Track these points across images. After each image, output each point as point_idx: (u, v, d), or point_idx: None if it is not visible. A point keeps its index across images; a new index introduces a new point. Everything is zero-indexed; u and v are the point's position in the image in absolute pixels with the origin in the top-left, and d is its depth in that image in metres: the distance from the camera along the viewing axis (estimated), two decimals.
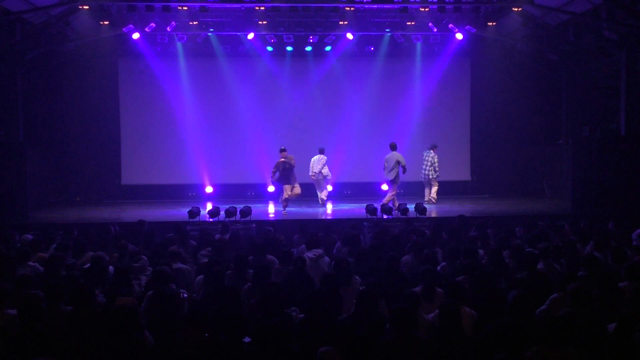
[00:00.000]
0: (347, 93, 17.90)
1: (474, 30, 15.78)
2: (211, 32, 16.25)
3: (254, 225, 11.61)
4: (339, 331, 4.64)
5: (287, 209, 14.34)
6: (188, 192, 17.66)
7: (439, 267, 7.35)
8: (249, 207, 12.07)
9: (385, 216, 12.05)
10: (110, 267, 7.33)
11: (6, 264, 7.09)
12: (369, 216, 11.87)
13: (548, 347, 4.47)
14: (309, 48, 17.25)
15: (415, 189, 16.17)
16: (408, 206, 12.33)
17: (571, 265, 7.26)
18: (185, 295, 6.36)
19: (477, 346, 4.54)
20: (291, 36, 16.36)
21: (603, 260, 7.32)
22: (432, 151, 15.88)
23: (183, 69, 17.60)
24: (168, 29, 15.48)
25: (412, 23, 15.63)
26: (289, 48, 17.26)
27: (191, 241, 9.34)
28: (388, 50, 17.41)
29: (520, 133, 18.53)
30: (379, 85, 17.80)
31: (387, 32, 16.44)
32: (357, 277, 6.85)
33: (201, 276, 7.07)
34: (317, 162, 14.98)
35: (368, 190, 17.40)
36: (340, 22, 15.65)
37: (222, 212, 11.92)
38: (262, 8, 14.74)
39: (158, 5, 14.27)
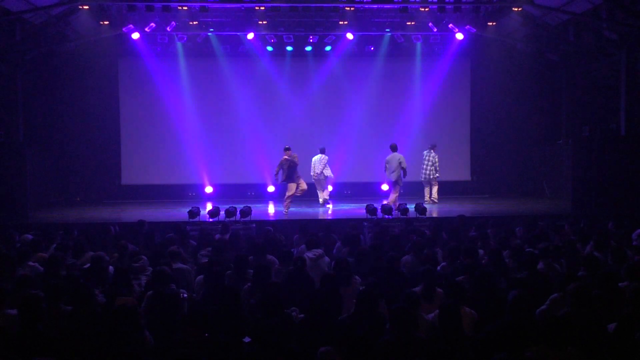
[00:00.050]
0: (347, 93, 17.91)
1: (474, 30, 15.78)
2: (211, 32, 16.26)
3: (254, 225, 11.61)
4: (339, 331, 4.63)
5: (290, 209, 14.35)
6: (188, 192, 17.67)
7: (439, 267, 7.35)
8: (249, 207, 12.07)
9: (385, 216, 12.04)
10: (110, 267, 7.33)
11: (6, 264, 7.09)
12: (369, 216, 11.87)
13: (548, 347, 4.47)
14: (309, 48, 17.25)
15: (415, 189, 16.17)
16: (408, 206, 12.33)
17: (571, 265, 7.26)
18: (185, 295, 6.36)
19: (477, 346, 4.54)
20: (291, 36, 16.36)
21: (603, 260, 7.31)
22: (432, 151, 15.89)
23: (183, 69, 17.60)
24: (168, 29, 15.49)
25: (412, 23, 15.64)
26: (289, 48, 17.26)
27: (191, 241, 9.33)
28: (388, 50, 17.42)
29: (520, 133, 18.53)
30: (379, 85, 17.81)
31: (387, 32, 16.44)
32: (357, 277, 6.84)
33: (201, 276, 7.07)
34: (319, 163, 14.97)
35: (368, 190, 17.41)
36: (340, 22, 15.66)
37: (222, 212, 11.91)
38: (262, 8, 14.75)
39: (158, 5, 14.28)
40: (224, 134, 17.80)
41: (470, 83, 18.41)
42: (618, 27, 13.82)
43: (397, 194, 14.22)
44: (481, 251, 8.12)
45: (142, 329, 5.11)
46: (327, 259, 8.01)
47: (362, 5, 14.87)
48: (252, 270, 6.82)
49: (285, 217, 13.18)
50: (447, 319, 4.90)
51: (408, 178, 14.49)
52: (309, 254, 7.80)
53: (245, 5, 14.78)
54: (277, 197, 17.21)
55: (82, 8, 14.05)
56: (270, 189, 17.58)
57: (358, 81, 17.88)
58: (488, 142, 18.48)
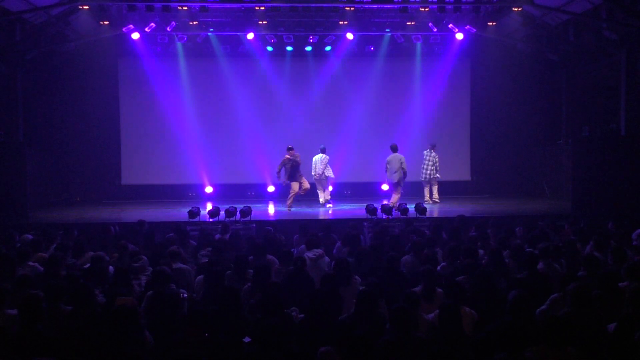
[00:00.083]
0: (347, 93, 17.91)
1: (474, 30, 15.78)
2: (211, 32, 16.26)
3: (254, 225, 11.61)
4: (339, 331, 4.63)
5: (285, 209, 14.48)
6: (188, 192, 17.67)
7: (439, 267, 7.35)
8: (249, 207, 12.07)
9: (385, 216, 12.04)
10: (110, 267, 7.33)
11: (6, 264, 7.09)
12: (369, 216, 11.87)
13: (548, 347, 4.47)
14: (309, 48, 17.26)
15: (415, 189, 16.17)
16: (408, 206, 12.33)
17: (571, 265, 7.26)
18: (185, 295, 6.36)
19: (477, 346, 4.55)
20: (291, 36, 16.36)
21: (603, 260, 7.32)
22: (432, 151, 15.89)
23: (183, 69, 17.61)
24: (168, 29, 15.49)
25: (412, 23, 15.64)
26: (289, 48, 17.27)
27: (191, 241, 9.33)
28: (388, 50, 17.42)
29: (520, 133, 18.53)
30: (379, 85, 17.81)
31: (387, 32, 16.44)
32: (357, 277, 6.85)
33: (201, 276, 7.07)
34: (320, 163, 14.95)
35: (368, 190, 17.42)
36: (340, 22, 15.66)
37: (222, 212, 11.91)
38: (262, 8, 14.75)
39: (158, 5, 14.27)
40: (224, 134, 17.81)
41: (470, 83, 18.41)
42: (618, 27, 13.82)
43: (399, 195, 14.22)
44: (481, 251, 8.13)
45: (142, 329, 5.11)
46: (327, 259, 8.00)
47: (362, 5, 14.86)
48: (252, 270, 6.82)
49: (285, 217, 13.18)
50: (447, 319, 4.90)
51: (408, 178, 14.50)
52: (309, 254, 7.80)
53: (245, 5, 14.78)
54: (277, 197, 17.24)
55: (82, 8, 14.05)
56: (270, 189, 17.58)
57: (358, 81, 17.88)
58: (488, 142, 18.49)
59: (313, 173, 15.00)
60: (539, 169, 18.44)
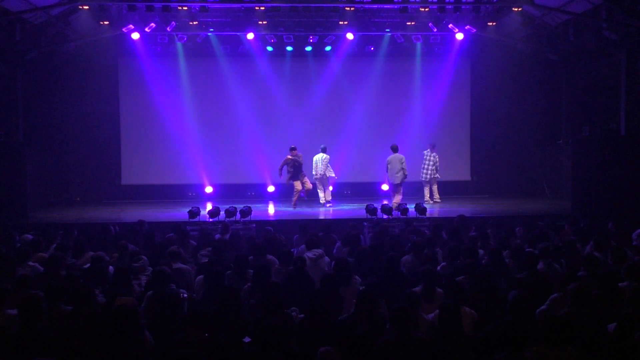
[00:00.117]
0: (347, 93, 17.90)
1: (474, 30, 15.78)
2: (211, 32, 16.25)
3: (254, 225, 11.61)
4: (339, 331, 4.63)
5: (288, 208, 14.63)
6: (188, 192, 17.67)
7: (439, 267, 7.35)
8: (249, 207, 12.07)
9: (385, 216, 12.04)
10: (110, 267, 7.33)
11: (6, 264, 7.09)
12: (369, 216, 11.87)
13: (548, 347, 4.47)
14: (309, 48, 17.26)
15: (415, 189, 16.17)
16: (408, 206, 12.34)
17: (571, 265, 7.26)
18: (185, 295, 6.36)
19: (477, 346, 4.55)
20: (291, 36, 16.35)
21: (603, 260, 7.32)
22: (432, 151, 15.89)
23: (183, 69, 17.61)
24: (168, 29, 15.49)
25: (412, 23, 15.63)
26: (289, 48, 17.26)
27: (191, 241, 9.33)
28: (388, 50, 17.41)
29: (520, 133, 18.53)
30: (379, 85, 17.81)
31: (387, 32, 16.44)
32: (357, 277, 6.85)
33: (201, 276, 7.07)
34: (321, 163, 14.93)
35: (368, 190, 17.42)
36: (340, 22, 15.65)
37: (222, 212, 11.91)
38: (262, 8, 14.74)
39: (158, 5, 14.26)
40: (224, 134, 17.81)
41: (470, 83, 18.41)
42: (618, 27, 13.82)
43: (401, 195, 14.22)
44: (481, 251, 8.13)
45: (142, 329, 5.11)
46: (327, 259, 8.01)
47: (362, 5, 14.86)
48: (252, 270, 6.82)
49: (286, 217, 13.19)
50: (447, 319, 4.90)
51: (408, 178, 14.50)
52: (309, 254, 7.80)
53: (245, 5, 14.78)
54: (277, 197, 17.26)
55: (82, 8, 14.05)
56: (270, 189, 17.59)
57: (358, 81, 17.88)
58: (488, 141, 18.48)
59: (314, 172, 15.00)
60: (539, 169, 18.44)
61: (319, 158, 15.00)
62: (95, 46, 16.53)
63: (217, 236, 9.61)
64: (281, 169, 14.60)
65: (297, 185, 14.52)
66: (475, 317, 5.54)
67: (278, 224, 11.79)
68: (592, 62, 16.14)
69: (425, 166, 15.84)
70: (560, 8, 14.57)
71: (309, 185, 14.68)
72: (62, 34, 15.81)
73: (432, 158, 15.82)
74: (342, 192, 17.33)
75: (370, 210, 11.93)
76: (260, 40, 16.61)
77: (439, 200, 15.81)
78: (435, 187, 15.98)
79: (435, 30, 15.89)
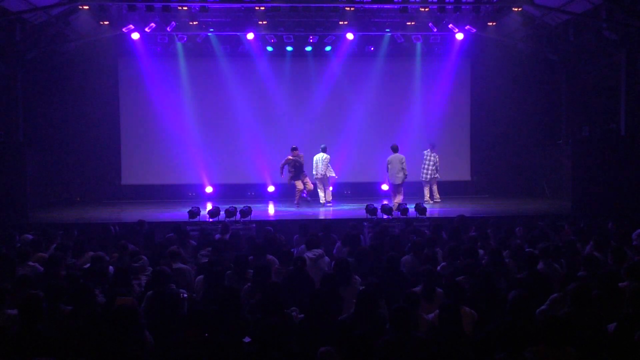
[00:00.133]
0: (347, 93, 17.90)
1: (474, 30, 15.78)
2: (211, 32, 16.25)
3: (254, 225, 11.61)
4: (339, 331, 4.64)
5: (288, 208, 14.64)
6: (188, 192, 17.67)
7: (439, 267, 7.36)
8: (249, 207, 12.07)
9: (385, 216, 12.04)
10: (110, 267, 7.33)
11: (6, 264, 7.10)
12: (369, 216, 11.87)
13: (548, 347, 4.48)
14: (309, 48, 17.26)
15: (415, 189, 16.16)
16: (408, 206, 12.34)
17: (571, 265, 7.25)
18: (185, 295, 6.36)
19: (477, 346, 4.55)
20: (291, 36, 16.35)
21: (603, 260, 7.32)
22: (432, 151, 15.89)
23: (183, 69, 17.61)
24: (168, 29, 15.49)
25: (412, 23, 15.62)
26: (289, 48, 17.27)
27: (191, 241, 9.34)
28: (388, 50, 17.41)
29: (520, 133, 18.53)
30: (379, 86, 17.81)
31: (387, 32, 16.44)
32: (357, 277, 6.85)
33: (201, 276, 7.07)
34: (322, 163, 14.90)
35: (368, 190, 17.42)
36: (340, 22, 15.65)
37: (222, 212, 11.91)
38: (262, 8, 14.74)
39: (158, 5, 14.26)
40: (224, 134, 17.81)
41: (470, 83, 18.40)
42: (618, 27, 13.81)
43: (402, 196, 14.22)
44: (481, 251, 8.13)
45: (142, 329, 5.11)
46: (327, 259, 8.01)
47: (362, 5, 14.86)
48: (252, 270, 6.82)
49: (285, 217, 13.19)
50: (447, 319, 4.90)
51: (408, 178, 14.50)
52: (309, 254, 7.80)
53: (245, 5, 14.78)
54: (277, 197, 17.26)
55: (82, 8, 14.04)
56: (270, 189, 17.59)
57: (358, 81, 17.88)
58: (488, 141, 18.48)
59: (314, 172, 14.99)
60: (539, 169, 18.43)
61: (319, 158, 14.98)
62: (95, 46, 16.54)
63: (217, 236, 9.61)
64: (282, 169, 14.67)
65: (299, 184, 14.61)
66: (475, 317, 5.54)
67: (278, 224, 11.79)
68: (592, 62, 16.14)
69: (426, 166, 15.84)
70: (560, 8, 14.57)
71: (310, 186, 14.73)
72: (62, 34, 15.80)
73: (432, 158, 15.81)
74: (342, 192, 17.33)
75: (370, 210, 11.93)
76: (260, 40, 16.61)
77: (438, 200, 15.82)
78: (435, 187, 15.99)
79: (435, 30, 15.89)
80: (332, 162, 15.22)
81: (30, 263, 7.55)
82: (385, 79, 17.84)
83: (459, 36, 15.99)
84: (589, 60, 16.23)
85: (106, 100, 17.64)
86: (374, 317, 5.20)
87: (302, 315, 5.74)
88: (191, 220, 11.53)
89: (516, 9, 14.80)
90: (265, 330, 4.58)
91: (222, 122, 17.83)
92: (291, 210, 14.43)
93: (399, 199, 14.06)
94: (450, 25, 15.67)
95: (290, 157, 14.48)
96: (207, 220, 11.75)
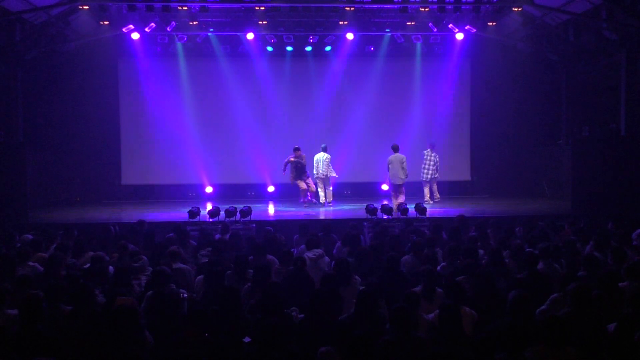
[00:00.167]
0: (347, 93, 17.90)
1: (474, 30, 15.78)
2: (211, 32, 16.26)
3: (254, 225, 11.61)
4: (339, 331, 4.64)
5: (288, 208, 14.60)
6: (188, 192, 17.68)
7: (439, 267, 7.36)
8: (249, 207, 12.07)
9: (385, 216, 12.04)
10: (110, 267, 7.33)
11: (6, 264, 7.10)
12: (369, 216, 11.87)
13: (548, 347, 4.47)
14: (309, 48, 17.26)
15: (415, 189, 16.17)
16: (408, 206, 12.34)
17: (571, 265, 7.26)
18: (185, 295, 6.36)
19: (477, 346, 4.54)
20: (291, 36, 16.35)
21: (603, 260, 7.32)
22: (432, 150, 15.89)
23: (183, 69, 17.61)
24: (168, 29, 15.49)
25: (412, 23, 15.62)
26: (289, 48, 17.27)
27: (191, 241, 9.34)
28: (388, 50, 17.41)
29: (520, 133, 18.54)
30: (379, 85, 17.81)
31: (387, 32, 16.44)
32: (357, 277, 6.85)
33: (201, 276, 7.07)
34: (323, 162, 14.87)
35: (368, 190, 17.43)
36: (340, 22, 15.65)
37: (222, 212, 11.92)
38: (262, 8, 14.74)
39: (158, 5, 14.27)
40: (224, 133, 17.81)
41: (470, 83, 18.40)
42: (618, 27, 13.82)
43: (404, 196, 14.22)
44: (481, 251, 8.13)
45: (142, 329, 5.11)
46: (327, 259, 8.01)
47: (362, 5, 14.86)
48: (252, 270, 6.82)
49: (285, 217, 13.19)
50: (447, 319, 4.90)
51: (408, 178, 14.50)
52: (309, 254, 7.80)
53: (245, 5, 14.78)
54: (277, 197, 17.26)
55: (82, 8, 14.05)
56: (270, 189, 17.60)
57: (358, 81, 17.88)
58: (488, 142, 18.49)
59: (315, 172, 14.97)
60: (539, 169, 18.43)
61: (320, 157, 14.94)
62: (95, 46, 16.54)
63: (217, 236, 9.61)
64: (285, 166, 14.67)
65: (301, 185, 14.54)
66: (475, 317, 5.54)
67: (278, 224, 11.79)
68: (592, 62, 16.14)
69: (427, 166, 15.84)
70: (560, 8, 14.58)
71: (313, 188, 14.66)
72: (62, 34, 15.81)
73: (432, 158, 15.82)
74: (342, 192, 17.32)
75: (370, 210, 11.93)
76: (260, 40, 16.62)
77: (438, 199, 15.83)
78: (435, 187, 16.00)
79: (435, 30, 15.89)
80: (332, 162, 15.21)
81: (30, 263, 7.55)
82: (385, 79, 17.84)
83: (459, 36, 15.99)
84: (589, 60, 16.23)
85: (106, 100, 17.64)
86: (374, 317, 5.20)
87: (302, 315, 5.74)
88: (191, 220, 11.53)
89: (516, 9, 14.80)
90: (265, 330, 4.58)
91: (222, 122, 17.83)
92: (291, 210, 14.42)
93: (401, 198, 14.05)
94: (450, 25, 15.68)
95: (292, 159, 14.42)
96: (207, 220, 11.75)
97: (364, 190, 17.48)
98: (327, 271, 7.18)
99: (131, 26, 15.19)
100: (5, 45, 14.50)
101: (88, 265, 7.36)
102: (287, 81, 17.78)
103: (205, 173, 17.62)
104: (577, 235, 9.12)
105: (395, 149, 14.43)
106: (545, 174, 18.04)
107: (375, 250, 8.03)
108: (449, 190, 17.20)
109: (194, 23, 15.55)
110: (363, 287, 6.17)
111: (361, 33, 16.40)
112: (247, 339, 5.05)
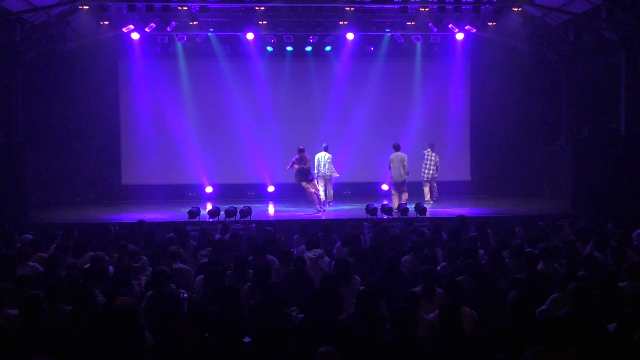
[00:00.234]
0: (346, 93, 17.88)
1: (474, 30, 15.78)
2: (211, 32, 16.25)
3: (254, 225, 11.61)
4: (339, 331, 4.64)
5: (288, 208, 14.51)
6: (188, 192, 17.67)
7: (439, 267, 7.36)
8: (249, 207, 12.07)
9: (385, 216, 12.04)
10: (110, 267, 7.33)
11: (6, 264, 7.10)
12: (369, 216, 11.87)
13: (548, 347, 4.48)
14: (309, 48, 17.25)
15: (415, 189, 16.15)
16: (408, 206, 12.33)
17: (571, 265, 7.26)
18: (185, 295, 6.37)
19: (477, 346, 4.55)
20: (291, 36, 16.35)
21: (603, 260, 7.32)
22: (432, 150, 15.89)
23: (183, 69, 17.60)
24: (168, 29, 15.48)
25: (412, 23, 15.61)
26: (289, 48, 17.26)
27: (191, 241, 9.34)
28: (388, 50, 17.40)
29: (520, 133, 18.53)
30: (379, 85, 17.80)
31: (387, 32, 16.43)
32: (357, 277, 6.85)
33: (201, 276, 7.07)
34: (325, 162, 14.82)
35: (368, 190, 17.41)
36: (340, 22, 15.63)
37: (222, 212, 11.92)
38: (262, 8, 14.74)
39: (158, 5, 14.26)
40: (224, 133, 17.80)
41: (470, 83, 18.39)
42: (618, 27, 13.81)
43: (407, 194, 14.20)
44: (481, 251, 8.13)
45: (142, 329, 5.11)
46: (327, 259, 8.01)
47: (362, 5, 14.86)
48: (252, 270, 6.82)
49: (285, 217, 13.19)
50: (447, 319, 4.90)
51: (408, 178, 14.50)
52: (309, 254, 7.80)
53: (245, 5, 14.78)
54: (277, 197, 17.26)
55: (82, 8, 14.03)
56: (270, 189, 17.60)
57: (358, 81, 17.86)
58: (488, 142, 18.48)
59: (315, 172, 14.92)
60: (539, 169, 18.43)
61: (322, 157, 14.87)
62: (95, 46, 16.54)
63: (217, 236, 9.61)
64: (290, 166, 14.28)
65: (308, 188, 14.16)
66: (475, 317, 5.54)
67: (278, 224, 11.80)
68: (592, 62, 16.14)
69: (428, 165, 15.83)
70: (560, 8, 14.58)
71: (318, 190, 14.44)
72: (62, 34, 15.80)
73: (433, 158, 15.83)
74: (342, 192, 17.29)
75: (370, 210, 11.93)
76: (260, 40, 16.61)
77: (436, 198, 15.85)
78: (435, 186, 16.01)
79: (435, 30, 15.89)
80: (332, 162, 15.19)
81: (30, 263, 7.56)
82: (385, 79, 17.83)
83: (459, 36, 15.99)
84: (589, 60, 16.23)
85: (106, 100, 17.64)
86: (374, 317, 5.20)
87: (302, 315, 5.74)
88: (191, 220, 11.53)
89: (516, 9, 14.79)
90: (265, 330, 4.58)
91: (222, 121, 17.82)
92: (291, 211, 14.41)
93: (405, 196, 14.02)
94: (450, 25, 15.67)
95: (296, 166, 14.05)
96: (207, 220, 11.75)
97: (364, 190, 17.46)
98: (327, 271, 7.19)
99: (131, 26, 15.18)
100: (5, 45, 14.50)
101: (88, 265, 7.36)
102: (287, 81, 17.77)
103: (205, 173, 17.61)
104: (577, 235, 9.12)
105: (397, 148, 14.42)
106: (545, 174, 18.03)
107: (375, 250, 8.04)
108: (449, 190, 17.19)
109: (194, 23, 15.54)
110: (363, 287, 6.17)
111: (361, 33, 16.39)
112: (247, 339, 5.05)
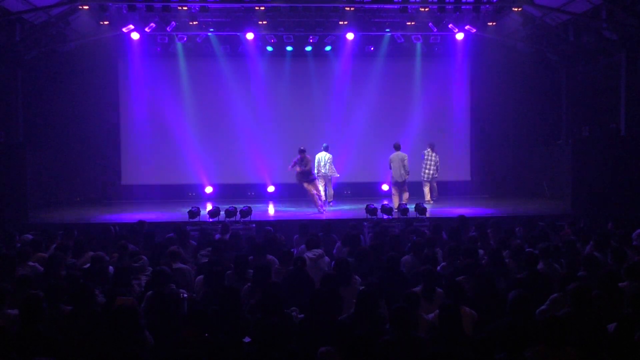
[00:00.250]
0: (346, 93, 17.89)
1: (474, 30, 15.78)
2: (211, 32, 16.25)
3: (254, 225, 11.61)
4: (339, 331, 4.64)
5: (288, 208, 14.46)
6: (188, 192, 17.67)
7: (439, 267, 7.36)
8: (249, 207, 12.08)
9: (385, 216, 12.04)
10: (110, 267, 7.33)
11: (6, 264, 7.10)
12: (369, 216, 11.87)
13: (548, 347, 4.48)
14: (309, 48, 17.25)
15: (415, 189, 16.15)
16: (408, 206, 12.33)
17: (571, 265, 7.26)
18: (185, 295, 6.37)
19: (477, 346, 4.55)
20: (291, 36, 16.35)
21: (603, 260, 7.32)
22: (432, 150, 15.89)
23: (183, 69, 17.60)
24: (168, 29, 15.48)
25: (412, 23, 15.61)
26: (289, 48, 17.26)
27: (191, 241, 9.34)
28: (388, 50, 17.40)
29: (520, 133, 18.53)
30: (379, 85, 17.81)
31: (387, 32, 16.43)
32: (357, 277, 6.85)
33: (201, 276, 7.07)
34: (325, 162, 14.80)
35: (368, 190, 17.41)
36: (340, 22, 15.64)
37: (222, 212, 11.92)
38: (262, 8, 14.74)
39: (158, 5, 14.27)
40: (224, 133, 17.80)
41: (470, 83, 18.40)
42: (618, 27, 13.81)
43: (407, 193, 14.18)
44: (481, 251, 8.13)
45: (142, 329, 5.11)
46: (327, 259, 8.01)
47: (362, 5, 14.86)
48: (252, 270, 6.82)
49: (286, 217, 13.18)
50: (447, 319, 4.90)
51: (408, 178, 14.50)
52: (309, 254, 7.80)
53: (245, 5, 14.78)
54: (277, 197, 17.26)
55: (82, 8, 14.04)
56: (270, 189, 17.60)
57: (358, 81, 17.86)
58: (488, 142, 18.48)
59: (316, 171, 14.91)
60: (539, 169, 18.43)
61: (323, 157, 14.87)
62: (95, 46, 16.54)
63: (217, 236, 9.62)
64: (292, 166, 14.19)
65: (310, 189, 14.10)
66: (475, 317, 5.54)
67: (278, 224, 11.79)
68: (592, 62, 16.13)
69: (428, 165, 15.84)
70: (560, 8, 14.58)
71: (319, 190, 14.40)
72: (62, 34, 15.80)
73: (433, 158, 15.83)
74: (342, 192, 17.30)
75: (370, 210, 11.93)
76: (260, 40, 16.61)
77: (436, 197, 15.85)
78: (435, 186, 16.02)
79: (435, 30, 15.89)
80: (332, 162, 15.19)
81: (30, 263, 7.56)
82: (385, 79, 17.83)
83: (459, 36, 15.99)
84: (589, 60, 16.22)
85: (106, 100, 17.65)
86: (374, 317, 5.20)
87: (302, 315, 5.74)
88: (191, 220, 11.53)
89: (516, 9, 14.79)
90: (265, 330, 4.58)
91: (222, 122, 17.82)
92: (291, 211, 14.41)
93: (405, 196, 14.02)
94: (450, 25, 15.67)
95: (298, 168, 13.99)
96: (207, 220, 11.75)
97: (364, 190, 17.47)
98: (327, 271, 7.19)
99: (131, 26, 15.18)
100: (5, 45, 14.50)
101: (88, 265, 7.36)
102: (287, 81, 17.77)
103: (205, 173, 17.61)
104: (577, 235, 9.12)
105: (397, 147, 14.43)
106: (545, 174, 18.04)
107: (375, 250, 8.04)
108: (449, 190, 17.19)
109: (194, 23, 15.54)
110: (363, 287, 6.17)
111: (361, 33, 16.39)
112: (247, 339, 5.05)
